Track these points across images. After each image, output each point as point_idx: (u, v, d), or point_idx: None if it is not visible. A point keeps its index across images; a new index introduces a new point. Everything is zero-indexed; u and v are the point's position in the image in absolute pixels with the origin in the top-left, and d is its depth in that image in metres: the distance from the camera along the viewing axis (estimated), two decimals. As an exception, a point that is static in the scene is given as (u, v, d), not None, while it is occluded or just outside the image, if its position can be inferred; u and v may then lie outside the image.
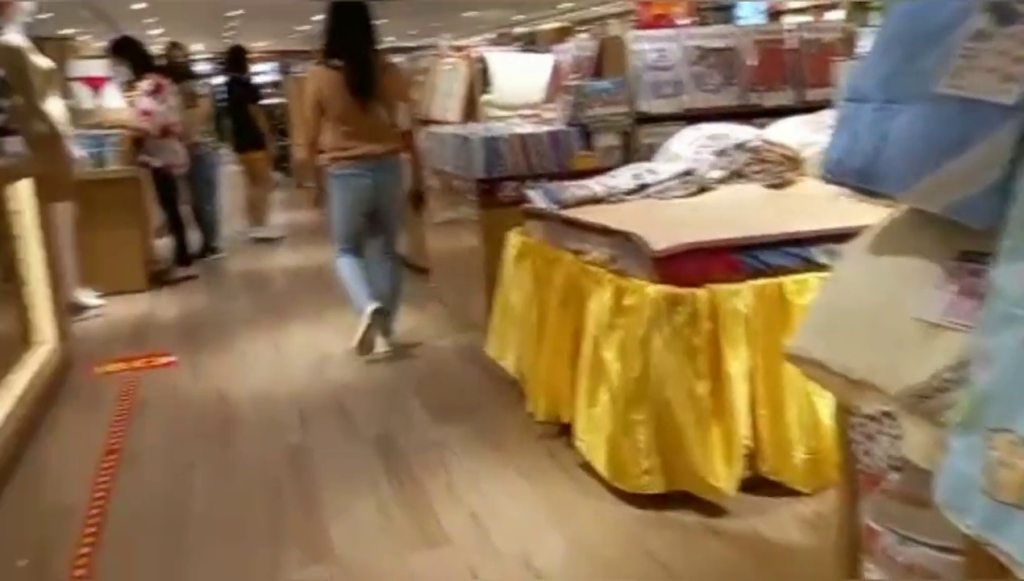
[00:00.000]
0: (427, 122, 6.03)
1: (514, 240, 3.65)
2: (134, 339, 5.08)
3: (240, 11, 16.60)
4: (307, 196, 4.63)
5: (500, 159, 4.42)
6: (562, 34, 16.60)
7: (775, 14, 11.03)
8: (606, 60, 4.76)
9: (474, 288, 4.61)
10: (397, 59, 7.84)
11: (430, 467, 3.19)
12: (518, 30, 20.05)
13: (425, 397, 3.90)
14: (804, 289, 2.66)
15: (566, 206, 3.35)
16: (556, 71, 5.26)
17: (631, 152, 4.49)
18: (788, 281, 2.70)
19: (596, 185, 3.47)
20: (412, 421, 3.65)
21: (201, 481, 3.19)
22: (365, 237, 4.50)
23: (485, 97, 5.83)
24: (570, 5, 17.19)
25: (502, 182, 4.41)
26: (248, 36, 23.06)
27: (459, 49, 6.27)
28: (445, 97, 5.97)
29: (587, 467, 2.98)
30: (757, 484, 2.78)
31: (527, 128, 4.67)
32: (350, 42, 4.27)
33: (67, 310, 5.24)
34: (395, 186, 4.47)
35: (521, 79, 5.95)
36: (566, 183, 3.62)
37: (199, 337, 5.05)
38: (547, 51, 6.52)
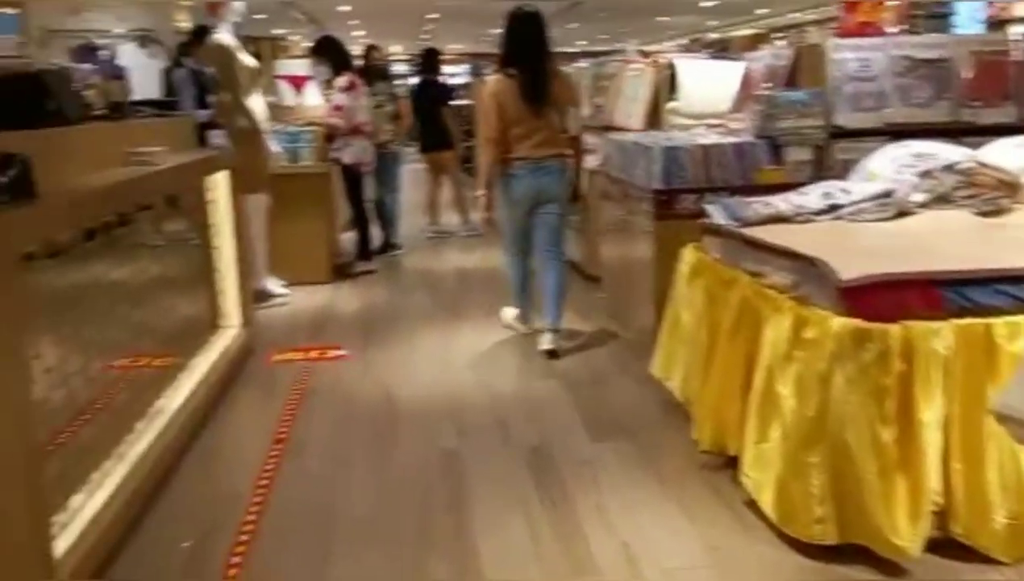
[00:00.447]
0: (609, 128, 5.92)
1: (689, 256, 3.47)
2: (312, 330, 5.27)
3: (436, 14, 17.09)
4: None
5: (680, 170, 4.24)
6: (756, 41, 16.01)
7: (998, 23, 10.12)
8: (802, 69, 4.48)
9: (643, 302, 4.45)
10: (584, 64, 7.81)
11: (584, 486, 3.08)
12: (711, 36, 19.57)
13: (584, 411, 3.79)
14: (1017, 334, 2.35)
15: (747, 223, 3.14)
16: (747, 80, 5.01)
17: (823, 169, 4.21)
18: (998, 323, 2.39)
19: (781, 202, 3.24)
20: (569, 435, 3.55)
21: (358, 478, 3.22)
22: (530, 235, 4.72)
23: (671, 105, 5.64)
24: (766, 11, 16.56)
25: (681, 194, 4.23)
26: (444, 39, 23.72)
27: (647, 55, 6.12)
28: (629, 103, 5.83)
29: (753, 506, 2.77)
30: (946, 546, 2.49)
31: (711, 138, 4.47)
32: (525, 52, 4.51)
33: (254, 297, 5.52)
34: (557, 187, 4.61)
35: (710, 87, 5.71)
36: (749, 199, 3.41)
37: (372, 332, 5.17)
38: (738, 59, 6.26)
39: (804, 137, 4.21)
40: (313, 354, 4.69)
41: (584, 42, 26.89)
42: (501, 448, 3.45)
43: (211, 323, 4.56)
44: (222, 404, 3.99)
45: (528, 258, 4.80)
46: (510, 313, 5.05)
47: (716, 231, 3.31)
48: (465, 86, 21.10)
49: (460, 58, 31.76)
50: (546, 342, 4.60)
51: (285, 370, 4.46)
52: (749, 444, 2.77)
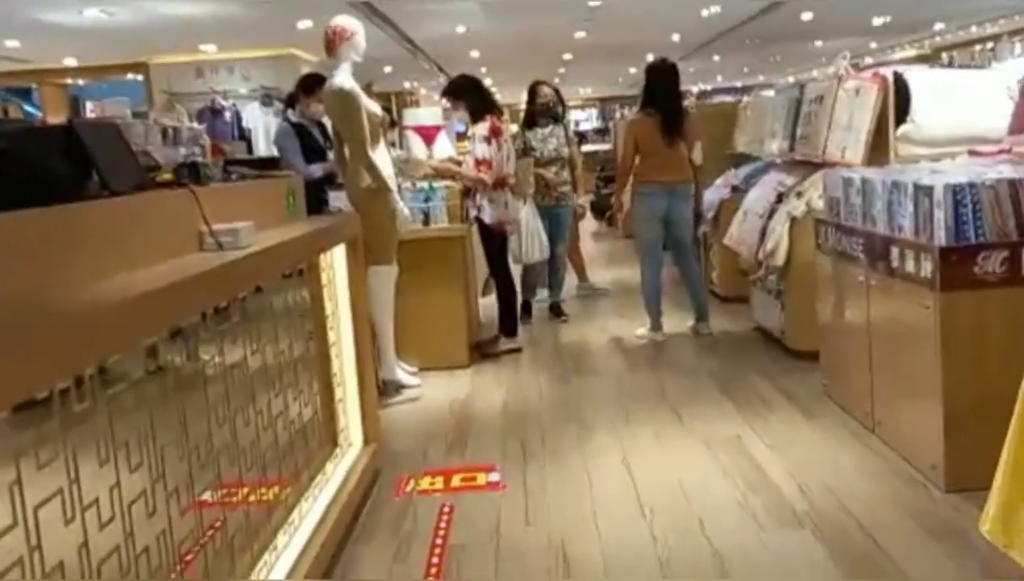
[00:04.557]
0: (819, 164, 4.67)
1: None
2: (452, 436, 4.15)
3: (569, 55, 16.11)
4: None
5: (976, 217, 2.94)
6: (921, 62, 14.29)
7: None
8: None
9: (925, 409, 3.12)
10: (769, 93, 6.62)
11: None
12: (867, 61, 17.83)
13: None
14: None
15: None
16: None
17: None
18: None
19: None
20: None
21: None
22: (660, 248, 5.70)
23: (901, 130, 4.37)
24: (941, 27, 14.77)
25: (981, 252, 2.92)
26: (574, 83, 22.74)
27: (862, 70, 4.87)
28: (843, 132, 4.55)
29: None
30: None
31: (1014, 171, 3.14)
32: (662, 96, 5.60)
33: (380, 389, 4.48)
34: (685, 206, 5.64)
35: (953, 105, 4.41)
36: None
37: (527, 440, 3.98)
38: (982, 66, 4.91)
39: None
40: (456, 481, 3.55)
41: (719, 78, 25.40)
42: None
43: (328, 441, 3.51)
44: (338, 565, 2.90)
45: (660, 268, 5.68)
46: (642, 329, 5.76)
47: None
48: (599, 131, 20.06)
49: (588, 103, 30.96)
50: (702, 329, 5.68)
51: (421, 507, 3.33)
52: None
